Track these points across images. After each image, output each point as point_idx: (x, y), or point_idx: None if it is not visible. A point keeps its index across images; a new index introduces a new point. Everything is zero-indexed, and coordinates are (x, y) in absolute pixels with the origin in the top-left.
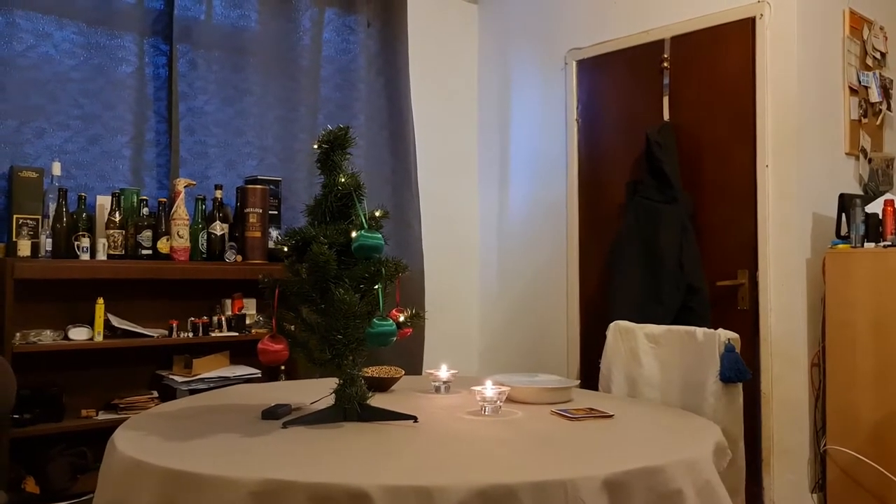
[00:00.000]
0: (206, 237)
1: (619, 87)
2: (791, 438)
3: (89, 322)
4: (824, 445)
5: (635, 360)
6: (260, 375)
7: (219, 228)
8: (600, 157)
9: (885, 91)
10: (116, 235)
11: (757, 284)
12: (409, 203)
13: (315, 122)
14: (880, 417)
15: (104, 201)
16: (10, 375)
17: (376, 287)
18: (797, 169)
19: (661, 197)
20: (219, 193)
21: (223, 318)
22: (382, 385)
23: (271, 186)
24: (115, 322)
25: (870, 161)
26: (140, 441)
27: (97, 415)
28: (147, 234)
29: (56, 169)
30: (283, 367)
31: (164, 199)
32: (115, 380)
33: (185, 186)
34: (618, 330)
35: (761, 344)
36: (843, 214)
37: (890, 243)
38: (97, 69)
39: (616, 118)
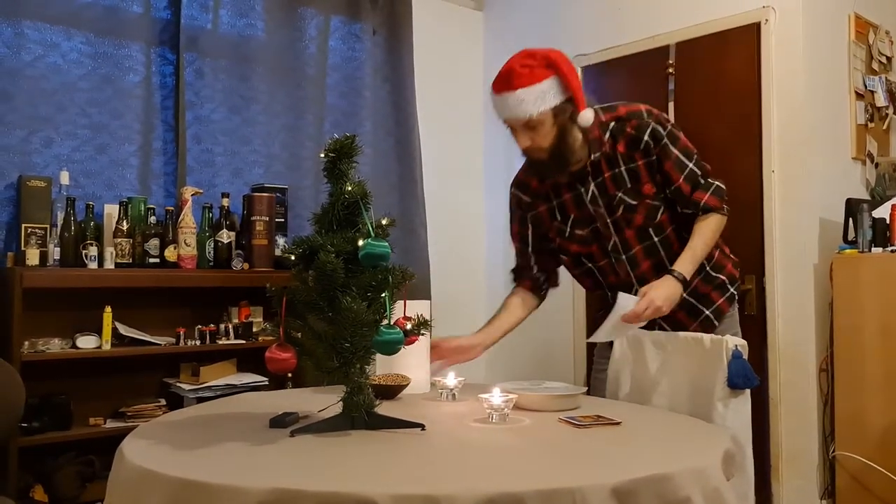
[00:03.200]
0: (212, 245)
1: (625, 92)
2: (800, 444)
3: (97, 330)
4: (833, 451)
5: (642, 367)
6: (267, 383)
7: (225, 236)
8: None
9: (892, 95)
10: (124, 244)
11: (764, 290)
12: (414, 210)
13: (321, 130)
14: (889, 423)
15: (112, 210)
16: (18, 384)
17: (383, 295)
18: (803, 174)
19: None
20: (225, 201)
21: (230, 326)
22: (389, 393)
23: (278, 194)
24: (123, 330)
25: (876, 165)
26: (148, 450)
27: (105, 423)
28: (154, 242)
29: (64, 178)
30: (289, 375)
31: (172, 208)
32: (123, 388)
33: (192, 195)
34: (624, 336)
35: (769, 349)
36: (851, 219)
37: None
38: (105, 79)
39: None
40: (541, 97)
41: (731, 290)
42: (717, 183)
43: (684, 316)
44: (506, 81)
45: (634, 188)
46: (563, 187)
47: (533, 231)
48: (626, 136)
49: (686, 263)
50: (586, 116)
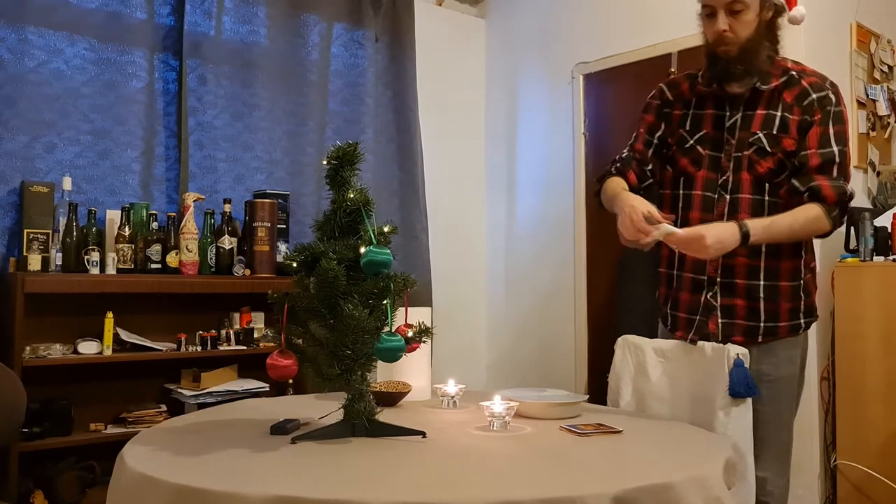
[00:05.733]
0: (214, 251)
1: (627, 100)
2: (801, 453)
3: (98, 336)
4: (834, 460)
5: (643, 375)
6: (268, 389)
7: (227, 242)
8: None
9: (893, 104)
10: (126, 249)
11: None
12: (416, 216)
13: (323, 137)
14: (891, 432)
15: (114, 215)
16: (19, 389)
17: (385, 302)
18: None
19: None
20: (227, 207)
21: (231, 332)
22: (390, 400)
23: (280, 200)
24: (124, 336)
25: (878, 174)
26: (149, 456)
27: (106, 428)
28: (156, 248)
29: (66, 184)
30: (291, 382)
31: (174, 214)
32: (124, 393)
33: (194, 200)
34: (626, 344)
35: None
36: (852, 228)
37: None
38: (108, 84)
39: (623, 132)
40: None
41: (801, 320)
42: (845, 185)
43: (742, 307)
44: None
45: (777, 136)
46: (708, 101)
47: (663, 129)
48: (799, 87)
49: (758, 225)
50: (800, 10)
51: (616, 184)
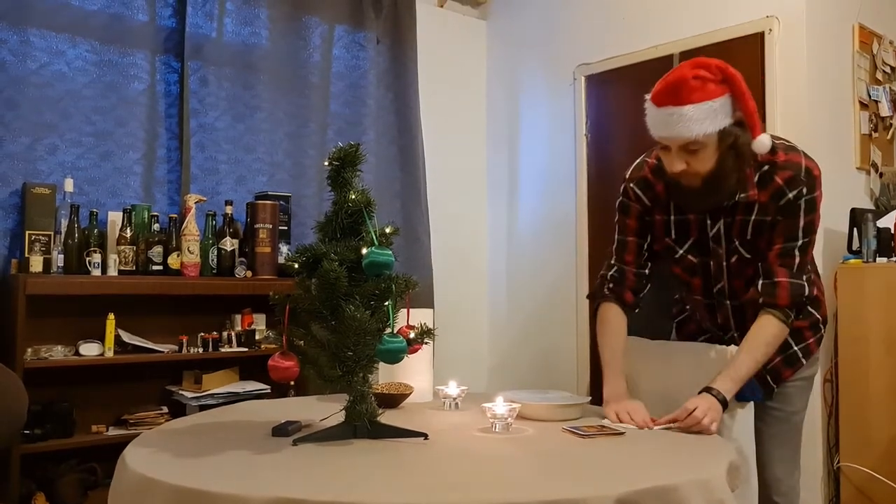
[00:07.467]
0: (216, 253)
1: (629, 102)
2: (804, 456)
3: (100, 337)
4: (838, 462)
5: (646, 377)
6: (269, 391)
7: (229, 244)
8: (610, 173)
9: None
10: (127, 251)
11: None
12: (418, 218)
13: (325, 139)
14: (894, 434)
15: (115, 217)
16: (21, 391)
17: (387, 304)
18: None
19: None
20: (229, 209)
21: (233, 334)
22: (392, 401)
23: (281, 202)
24: (126, 337)
25: (881, 175)
26: (151, 458)
27: (107, 430)
28: (158, 249)
29: (68, 185)
30: (292, 384)
31: (175, 215)
32: (126, 395)
33: (195, 202)
34: (628, 346)
35: None
36: (855, 229)
37: None
38: (109, 86)
39: (625, 133)
40: (711, 117)
41: (822, 331)
42: (804, 283)
43: None
44: (673, 94)
45: (752, 241)
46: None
47: (650, 237)
48: (773, 186)
49: (727, 382)
50: (763, 143)
51: (609, 325)
